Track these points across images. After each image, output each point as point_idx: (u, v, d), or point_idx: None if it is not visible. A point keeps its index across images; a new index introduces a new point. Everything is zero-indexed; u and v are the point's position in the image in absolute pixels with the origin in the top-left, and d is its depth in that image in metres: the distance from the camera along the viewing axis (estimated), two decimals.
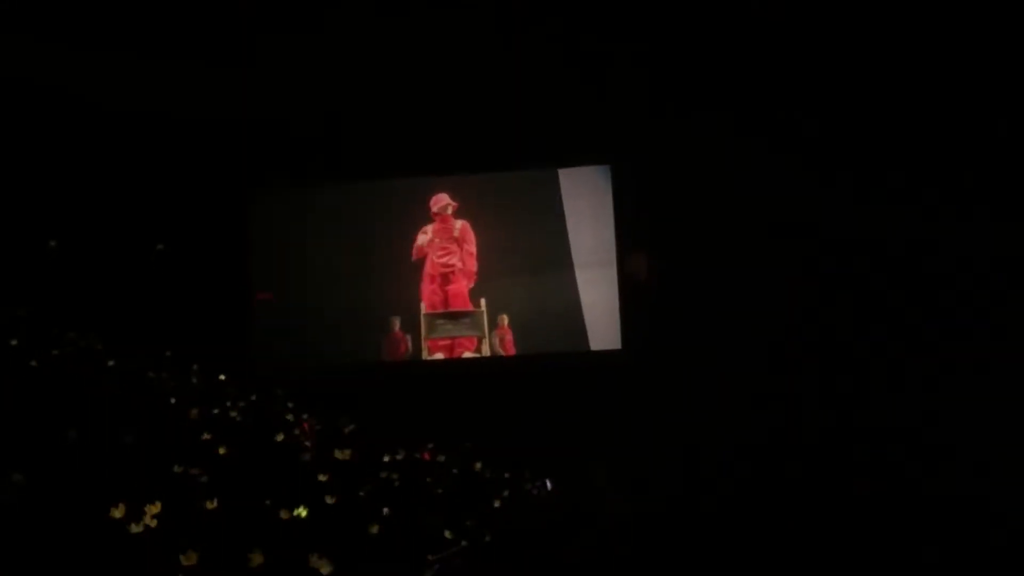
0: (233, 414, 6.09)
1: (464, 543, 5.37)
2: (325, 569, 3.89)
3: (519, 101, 10.42)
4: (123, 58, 9.88)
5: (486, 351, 11.00)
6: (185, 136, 10.47)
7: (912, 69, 9.96)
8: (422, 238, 11.20)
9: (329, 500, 4.83)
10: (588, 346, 10.95)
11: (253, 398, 7.08)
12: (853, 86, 10.27)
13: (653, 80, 10.35)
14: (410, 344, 11.07)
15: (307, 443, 6.32)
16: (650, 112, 10.46)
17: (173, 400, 5.87)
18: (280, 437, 5.73)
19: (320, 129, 10.78)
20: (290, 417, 6.93)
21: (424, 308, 11.13)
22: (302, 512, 4.34)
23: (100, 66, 9.87)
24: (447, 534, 5.13)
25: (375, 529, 4.76)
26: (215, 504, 4.15)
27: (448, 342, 11.10)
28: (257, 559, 3.81)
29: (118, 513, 3.70)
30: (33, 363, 5.69)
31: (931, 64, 9.83)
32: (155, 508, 3.77)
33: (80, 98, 10.00)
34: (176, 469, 4.54)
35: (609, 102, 10.51)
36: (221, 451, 5.27)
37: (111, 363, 6.48)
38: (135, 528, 3.66)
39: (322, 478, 4.97)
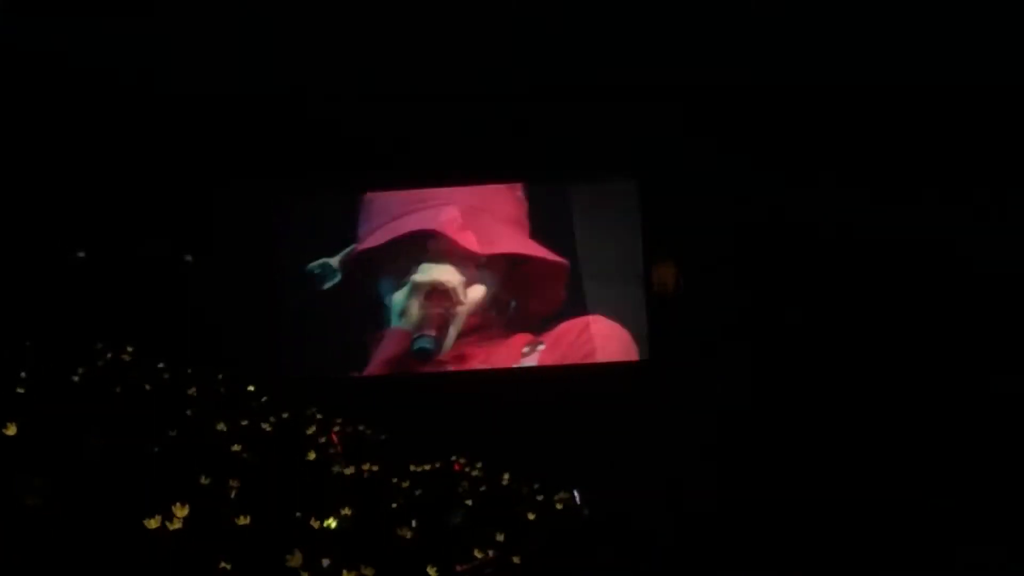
0: (265, 426, 6.04)
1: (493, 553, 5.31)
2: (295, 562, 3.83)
3: (547, 113, 10.52)
4: (142, 60, 10.02)
5: (509, 363, 10.88)
6: (207, 143, 10.54)
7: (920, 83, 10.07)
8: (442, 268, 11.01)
9: (345, 512, 4.76)
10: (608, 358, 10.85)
11: (284, 414, 7.04)
12: (875, 100, 10.34)
13: (681, 97, 10.39)
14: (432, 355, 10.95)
15: (336, 453, 6.28)
16: (677, 128, 10.49)
17: (196, 411, 5.83)
18: (312, 455, 5.68)
19: (339, 138, 10.85)
20: (314, 429, 6.89)
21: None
22: (332, 523, 4.26)
23: (113, 67, 10.01)
24: (477, 553, 5.05)
25: (407, 535, 4.70)
26: (247, 520, 4.08)
27: (469, 352, 10.95)
28: (295, 560, 3.77)
29: (153, 523, 3.65)
30: (65, 374, 5.68)
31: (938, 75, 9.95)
32: (183, 511, 3.72)
33: (102, 102, 10.12)
34: (203, 480, 4.48)
35: (638, 118, 10.54)
36: (246, 456, 5.23)
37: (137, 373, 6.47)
38: (172, 525, 3.60)
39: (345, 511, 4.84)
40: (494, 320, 10.96)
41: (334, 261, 10.94)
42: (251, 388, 7.61)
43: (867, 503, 7.81)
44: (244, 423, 6.01)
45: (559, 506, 7.08)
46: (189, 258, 10.49)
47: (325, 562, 4.26)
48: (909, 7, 9.78)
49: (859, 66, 10.29)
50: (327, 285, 10.93)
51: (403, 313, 10.85)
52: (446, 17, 10.14)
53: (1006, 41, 9.81)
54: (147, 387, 6.13)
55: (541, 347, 10.87)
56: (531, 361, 10.87)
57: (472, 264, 10.94)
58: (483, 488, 6.89)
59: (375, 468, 5.94)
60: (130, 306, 9.40)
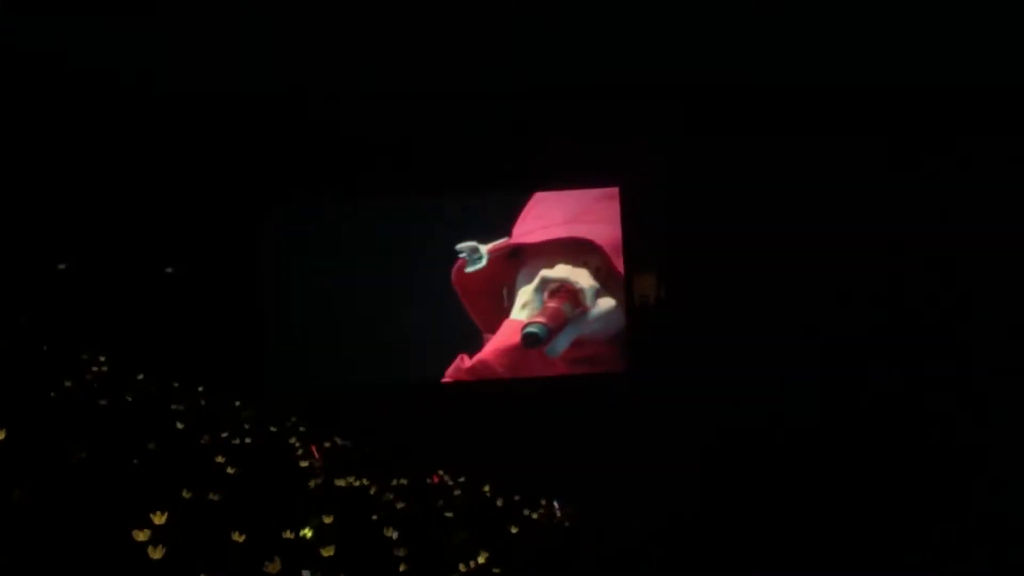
0: (246, 440, 6.09)
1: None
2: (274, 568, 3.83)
3: (529, 119, 10.51)
4: (139, 64, 10.04)
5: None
6: (198, 150, 10.56)
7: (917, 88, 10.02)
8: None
9: (326, 520, 4.79)
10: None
11: (270, 428, 7.08)
12: (876, 100, 10.30)
13: (666, 102, 10.35)
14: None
15: (316, 466, 6.32)
16: (660, 133, 10.46)
17: (181, 425, 5.87)
18: (299, 462, 5.72)
19: (333, 146, 10.86)
20: (296, 441, 6.92)
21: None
22: (307, 533, 4.30)
23: (114, 74, 10.04)
24: (461, 567, 5.09)
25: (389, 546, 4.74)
26: (243, 538, 4.07)
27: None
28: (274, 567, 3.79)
29: (142, 536, 3.66)
30: (46, 387, 5.72)
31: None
32: (161, 518, 3.74)
33: (92, 112, 10.16)
34: (185, 494, 4.51)
35: (620, 123, 10.51)
36: (230, 471, 5.27)
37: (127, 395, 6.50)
38: (153, 552, 3.62)
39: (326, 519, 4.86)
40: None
41: (483, 247, 10.88)
42: (237, 404, 7.65)
43: (862, 507, 7.82)
44: (224, 435, 6.07)
45: (540, 518, 7.10)
46: (170, 270, 10.51)
47: (305, 573, 4.30)
48: (909, 7, 9.72)
49: (860, 66, 10.24)
50: (471, 268, 10.87)
51: (525, 304, 10.76)
52: (446, 17, 10.12)
53: (1006, 41, 9.75)
54: (130, 399, 6.18)
55: None
56: None
57: (614, 285, 10.89)
58: (464, 501, 6.93)
59: (355, 481, 5.98)
60: (126, 311, 9.46)
